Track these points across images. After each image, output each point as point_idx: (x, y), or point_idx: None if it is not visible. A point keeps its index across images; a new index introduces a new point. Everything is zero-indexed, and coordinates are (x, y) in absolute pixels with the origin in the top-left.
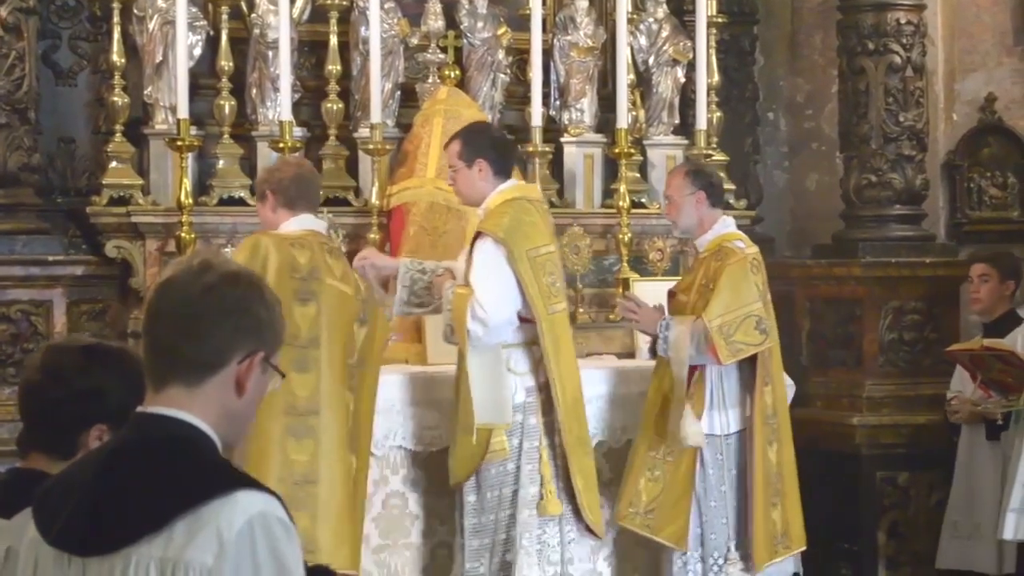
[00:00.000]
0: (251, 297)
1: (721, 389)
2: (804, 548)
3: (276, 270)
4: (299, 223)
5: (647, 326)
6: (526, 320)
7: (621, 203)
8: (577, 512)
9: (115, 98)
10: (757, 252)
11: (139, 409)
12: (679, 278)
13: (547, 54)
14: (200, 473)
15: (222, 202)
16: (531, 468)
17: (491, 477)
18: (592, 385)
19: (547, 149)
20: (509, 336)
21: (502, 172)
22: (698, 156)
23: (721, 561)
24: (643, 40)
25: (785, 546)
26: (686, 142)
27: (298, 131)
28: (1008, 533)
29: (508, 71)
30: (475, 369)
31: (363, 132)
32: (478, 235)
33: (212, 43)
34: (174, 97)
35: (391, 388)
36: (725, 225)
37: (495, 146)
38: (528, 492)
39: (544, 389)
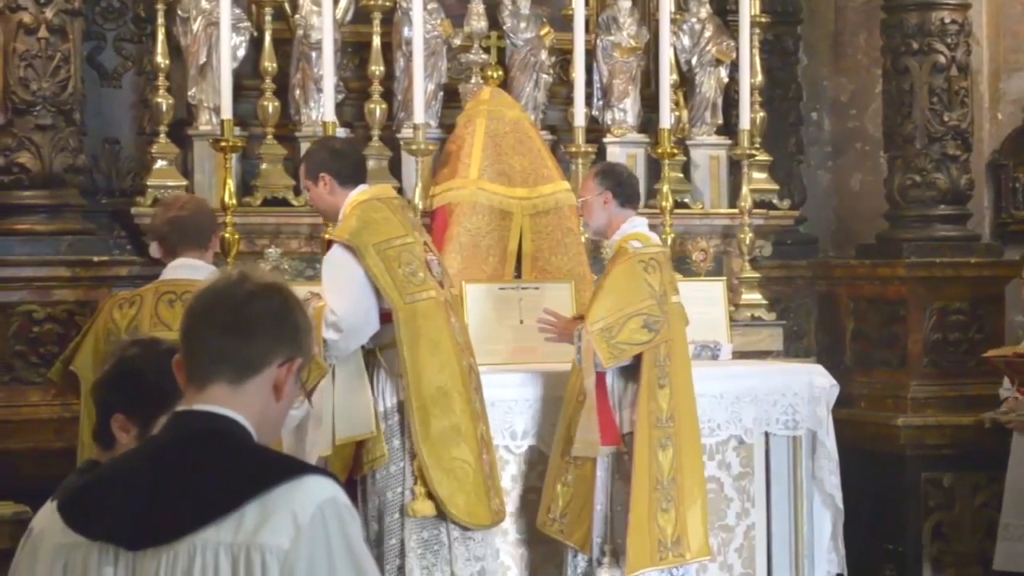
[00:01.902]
0: (291, 305)
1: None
2: (708, 558)
3: (93, 336)
4: (174, 270)
5: (565, 337)
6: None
7: (664, 203)
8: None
9: (159, 99)
10: (658, 252)
11: (181, 407)
12: (722, 279)
13: (590, 54)
14: (266, 458)
15: (266, 203)
16: (411, 468)
17: (376, 483)
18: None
19: (590, 149)
20: (384, 337)
21: (349, 181)
22: (741, 156)
23: (595, 563)
24: (686, 40)
25: (677, 554)
26: (729, 142)
27: (341, 131)
28: None
29: (551, 71)
30: (336, 382)
31: (406, 133)
32: (328, 245)
33: (256, 44)
34: (218, 98)
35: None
36: (632, 225)
37: (335, 158)
38: (410, 493)
39: None
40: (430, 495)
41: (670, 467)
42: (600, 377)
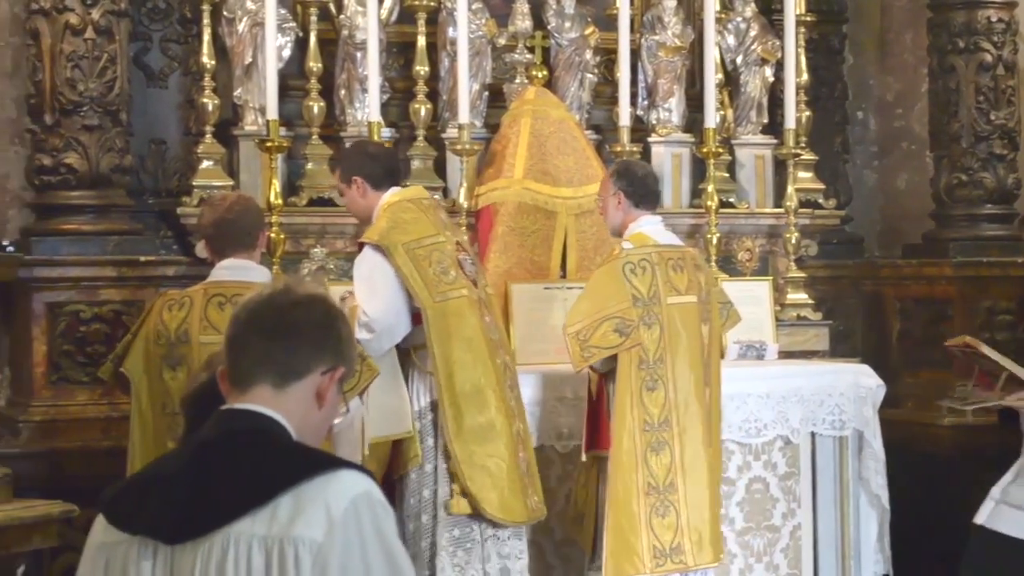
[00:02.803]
0: (335, 315)
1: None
2: (716, 564)
3: (144, 337)
4: (223, 271)
5: None
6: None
7: (709, 203)
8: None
9: (205, 99)
10: (652, 252)
11: (223, 407)
12: (768, 279)
13: (635, 54)
14: (301, 452)
15: (311, 203)
16: (445, 467)
17: (411, 483)
18: None
19: (635, 149)
20: (418, 337)
21: (382, 184)
22: (787, 155)
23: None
24: (731, 39)
25: (678, 561)
26: (775, 141)
27: (386, 132)
28: (980, 518)
29: (596, 71)
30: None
31: (451, 132)
32: (360, 248)
33: (301, 44)
34: (263, 98)
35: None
36: (639, 225)
37: (369, 161)
38: (444, 491)
39: None
40: (464, 493)
41: (667, 472)
42: (602, 382)
